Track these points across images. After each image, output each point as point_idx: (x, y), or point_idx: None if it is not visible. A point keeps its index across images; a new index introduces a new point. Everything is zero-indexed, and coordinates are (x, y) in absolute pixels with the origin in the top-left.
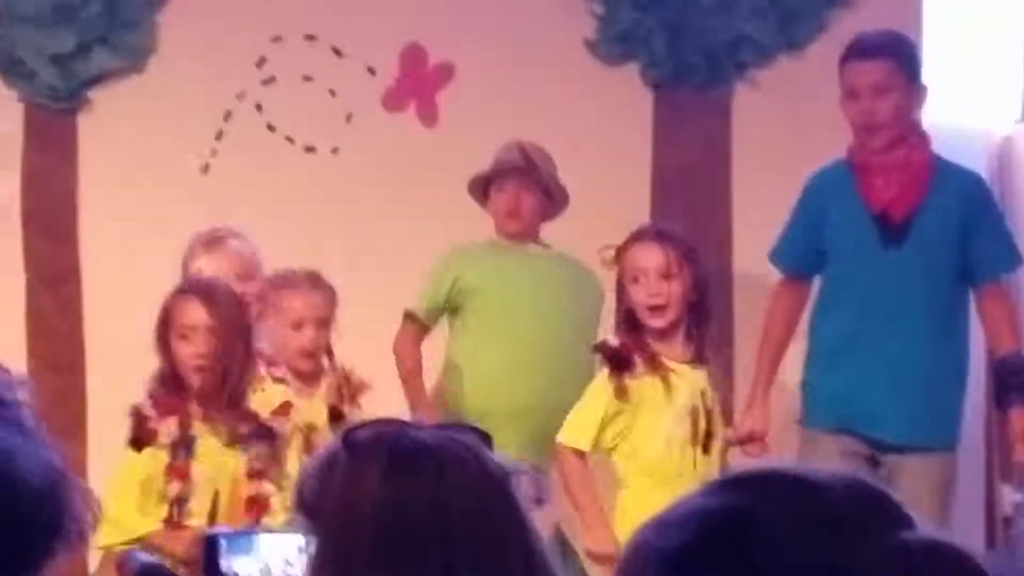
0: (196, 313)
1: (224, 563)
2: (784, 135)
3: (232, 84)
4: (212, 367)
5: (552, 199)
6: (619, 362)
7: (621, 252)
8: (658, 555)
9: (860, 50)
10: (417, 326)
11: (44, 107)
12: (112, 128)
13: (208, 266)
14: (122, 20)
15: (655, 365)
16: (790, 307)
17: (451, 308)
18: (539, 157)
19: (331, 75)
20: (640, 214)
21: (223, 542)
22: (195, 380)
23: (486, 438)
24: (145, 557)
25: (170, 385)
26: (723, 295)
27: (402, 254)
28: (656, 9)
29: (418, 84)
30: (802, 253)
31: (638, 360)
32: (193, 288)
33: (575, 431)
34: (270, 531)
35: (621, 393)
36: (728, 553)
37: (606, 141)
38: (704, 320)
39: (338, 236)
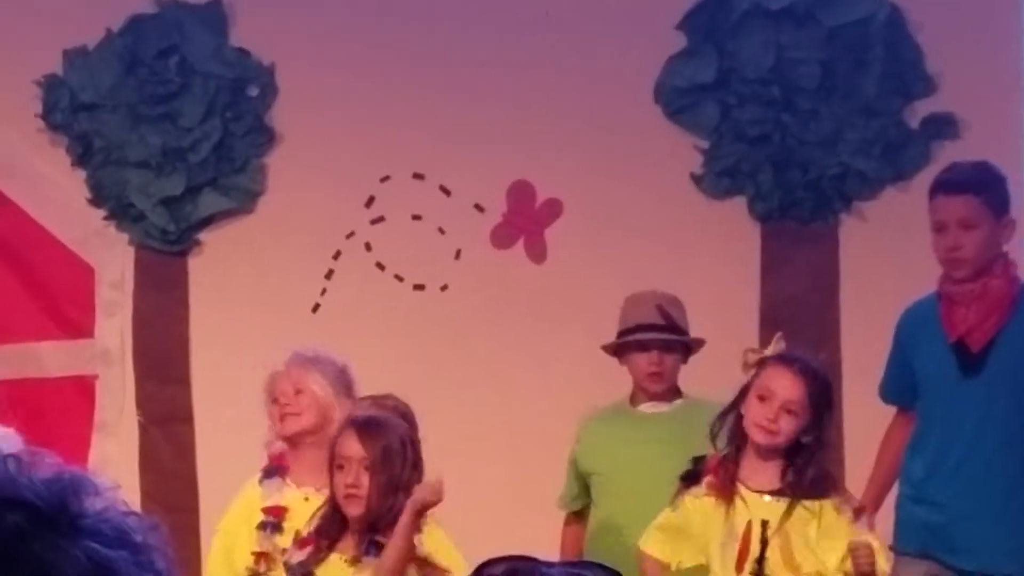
0: (353, 446)
1: None
2: (891, 266)
3: (341, 224)
4: (363, 497)
5: (691, 351)
6: (691, 476)
7: (761, 365)
8: None
9: (947, 185)
10: (570, 517)
11: (155, 250)
12: (222, 269)
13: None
14: (231, 163)
15: (721, 488)
16: (896, 437)
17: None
18: (678, 313)
19: (440, 213)
20: (748, 344)
21: None
22: (348, 509)
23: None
24: None
25: (330, 515)
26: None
27: (512, 390)
28: (762, 143)
29: (526, 221)
30: (900, 385)
31: (709, 480)
32: (355, 422)
33: (645, 535)
34: None
35: (675, 505)
36: None
37: (714, 274)
38: (807, 461)
39: (448, 373)
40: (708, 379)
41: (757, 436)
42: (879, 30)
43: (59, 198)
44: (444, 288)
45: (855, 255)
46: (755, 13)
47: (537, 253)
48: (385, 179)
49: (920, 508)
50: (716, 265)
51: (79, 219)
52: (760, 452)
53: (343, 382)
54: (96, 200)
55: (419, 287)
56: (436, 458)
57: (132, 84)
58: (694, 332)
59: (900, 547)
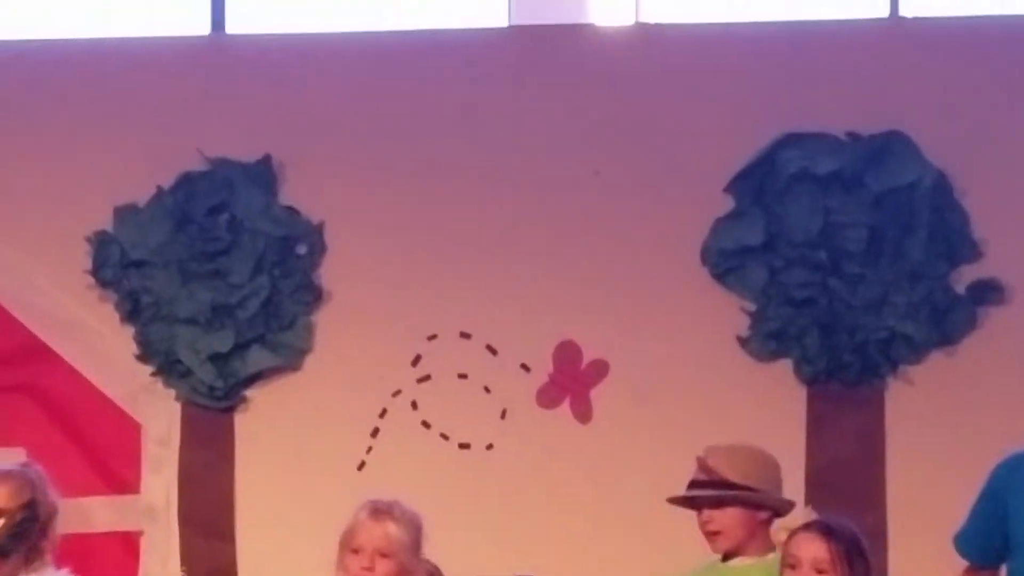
0: None
1: None
2: (937, 430)
3: (388, 382)
4: None
5: (760, 507)
6: None
7: (789, 537)
8: None
9: None
10: None
11: (202, 406)
12: (269, 426)
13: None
14: (279, 320)
15: None
16: None
17: None
18: (729, 466)
19: (486, 372)
20: (795, 508)
21: None
22: None
23: None
24: None
25: None
26: None
27: (558, 550)
28: (808, 306)
29: (572, 381)
30: (990, 543)
31: None
32: None
33: None
34: None
35: None
36: None
37: (760, 436)
38: None
39: (494, 532)
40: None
41: None
42: (925, 195)
43: (107, 354)
44: (489, 447)
45: (901, 418)
46: (803, 177)
47: (583, 413)
48: (432, 337)
49: None
50: (762, 427)
51: (127, 375)
52: None
53: (419, 540)
54: (144, 356)
55: (464, 446)
56: None
57: (182, 241)
58: None
59: None
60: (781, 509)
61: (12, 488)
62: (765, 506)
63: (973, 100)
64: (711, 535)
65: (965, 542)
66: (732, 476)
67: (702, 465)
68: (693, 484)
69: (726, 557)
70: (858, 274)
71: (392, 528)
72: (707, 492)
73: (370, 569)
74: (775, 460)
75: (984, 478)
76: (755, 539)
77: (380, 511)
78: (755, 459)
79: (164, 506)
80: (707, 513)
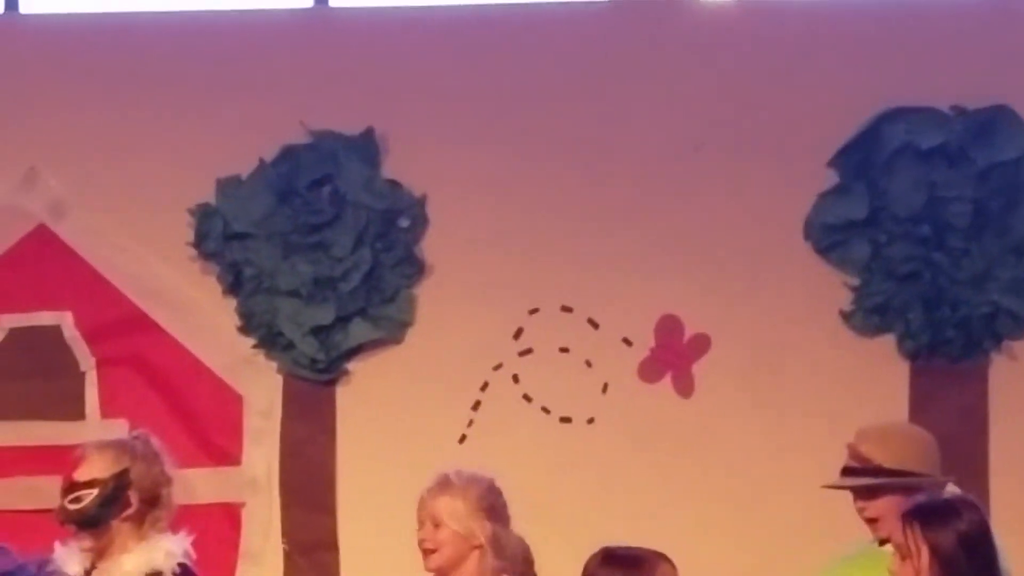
0: None
1: None
2: None
3: (489, 355)
4: None
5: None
6: None
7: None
8: None
9: None
10: None
11: (303, 378)
12: (370, 399)
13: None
14: (381, 293)
15: None
16: None
17: None
18: (882, 450)
19: (587, 346)
20: None
21: None
22: None
23: None
24: None
25: None
26: None
27: (657, 524)
28: (912, 281)
29: (674, 355)
30: None
31: None
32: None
33: None
34: None
35: None
36: None
37: (862, 412)
38: None
39: (594, 507)
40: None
41: None
42: None
43: (209, 326)
44: (591, 421)
45: (1005, 394)
46: (907, 152)
47: (684, 387)
48: (534, 311)
49: None
50: (864, 403)
51: (229, 347)
52: None
53: (488, 502)
54: (246, 328)
55: (566, 420)
56: None
57: (284, 213)
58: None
59: None
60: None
61: (108, 459)
62: (920, 490)
63: None
64: (869, 522)
65: None
66: (885, 462)
67: (853, 452)
68: (846, 471)
69: (883, 540)
70: (962, 249)
71: (444, 499)
72: (859, 481)
73: (425, 540)
74: (929, 438)
75: None
76: None
77: (438, 484)
78: (908, 440)
79: (265, 478)
80: (860, 502)
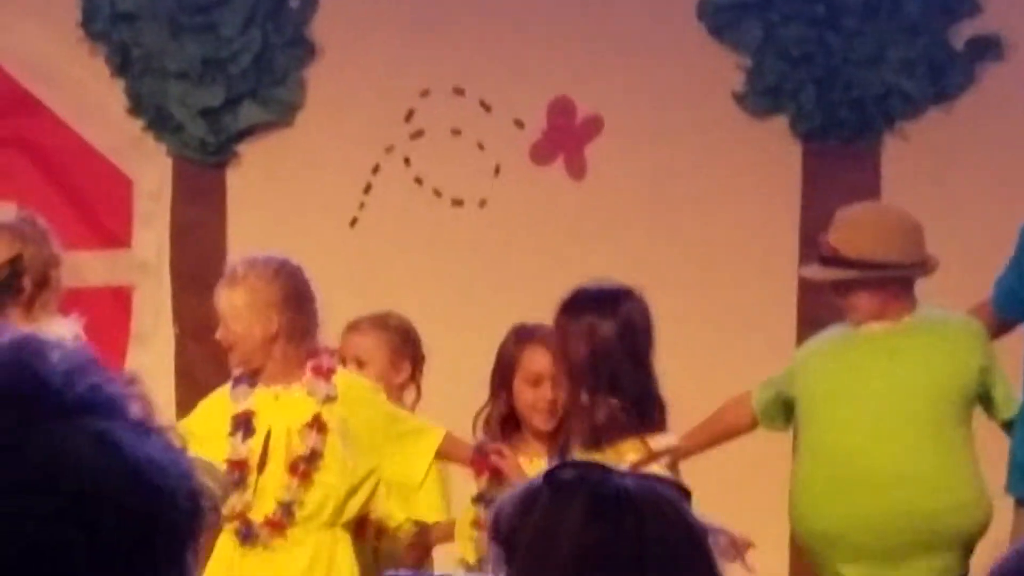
0: (545, 360)
1: None
2: (932, 187)
3: (380, 138)
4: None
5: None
6: None
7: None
8: None
9: None
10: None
11: (193, 161)
12: (261, 182)
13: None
14: (271, 75)
15: None
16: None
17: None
18: (845, 240)
19: (479, 128)
20: (788, 264)
21: None
22: (540, 422)
23: (686, 493)
24: None
25: (508, 426)
26: None
27: (547, 307)
28: (804, 62)
29: (566, 137)
30: (1013, 297)
31: None
32: (540, 337)
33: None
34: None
35: None
36: None
37: (755, 192)
38: None
39: (485, 289)
40: (743, 295)
41: None
42: None
43: (97, 108)
44: (483, 204)
45: (897, 175)
46: None
47: (577, 169)
48: (425, 93)
49: None
50: (757, 183)
51: (117, 129)
52: None
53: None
54: (135, 110)
55: (457, 202)
56: (466, 376)
57: None
58: (732, 253)
59: (1011, 488)
60: (912, 275)
61: (0, 245)
62: (893, 281)
63: None
64: (851, 311)
65: (997, 289)
66: (855, 254)
67: (825, 245)
68: (821, 260)
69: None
70: (855, 29)
71: (235, 293)
72: (831, 276)
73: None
74: (908, 224)
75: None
76: (898, 299)
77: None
78: (880, 230)
79: (156, 261)
80: (835, 297)
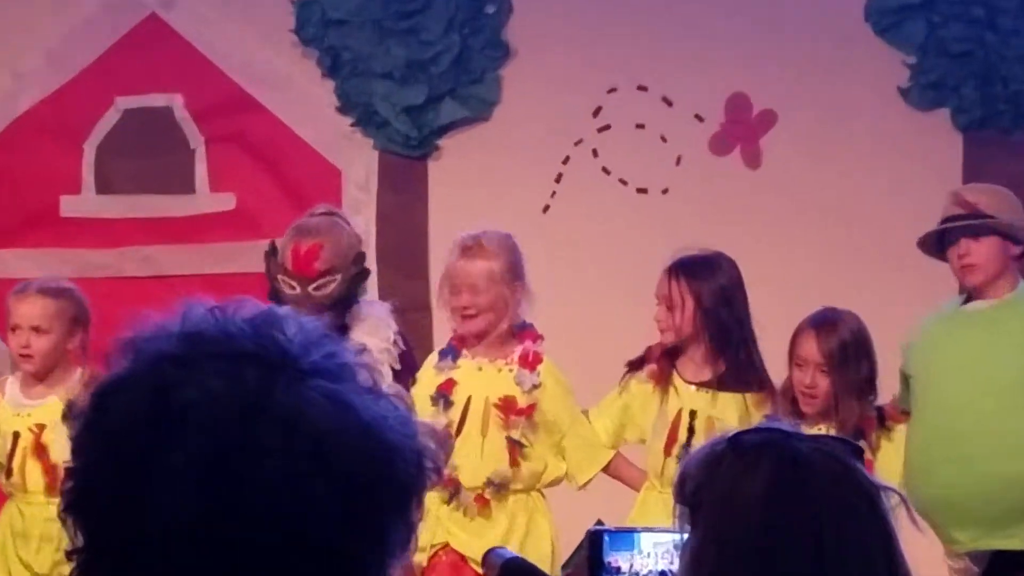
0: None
1: (606, 558)
2: None
3: (570, 132)
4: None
5: (1016, 239)
6: (636, 363)
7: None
8: None
9: None
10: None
11: (397, 154)
12: (459, 172)
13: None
14: (469, 75)
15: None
16: None
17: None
18: (988, 200)
19: (662, 122)
20: None
21: (607, 538)
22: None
23: (859, 452)
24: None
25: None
26: None
27: None
28: (965, 59)
29: (743, 130)
30: None
31: (650, 368)
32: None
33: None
34: (650, 529)
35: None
36: None
37: (918, 181)
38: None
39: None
40: (910, 285)
41: None
42: None
43: (310, 107)
44: (665, 191)
45: None
46: None
47: (752, 160)
48: (611, 91)
49: None
50: (920, 172)
51: (328, 125)
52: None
53: (512, 264)
54: (344, 108)
55: (642, 191)
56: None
57: (379, 1)
58: (899, 238)
59: None
60: None
61: (342, 245)
62: (1020, 239)
63: None
64: (966, 268)
65: None
66: (988, 208)
67: (959, 200)
68: (948, 219)
69: (968, 300)
70: (1012, 28)
71: (480, 263)
72: (967, 222)
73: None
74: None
75: None
76: (1003, 277)
77: (468, 247)
78: (1007, 194)
79: (364, 244)
80: (965, 244)
